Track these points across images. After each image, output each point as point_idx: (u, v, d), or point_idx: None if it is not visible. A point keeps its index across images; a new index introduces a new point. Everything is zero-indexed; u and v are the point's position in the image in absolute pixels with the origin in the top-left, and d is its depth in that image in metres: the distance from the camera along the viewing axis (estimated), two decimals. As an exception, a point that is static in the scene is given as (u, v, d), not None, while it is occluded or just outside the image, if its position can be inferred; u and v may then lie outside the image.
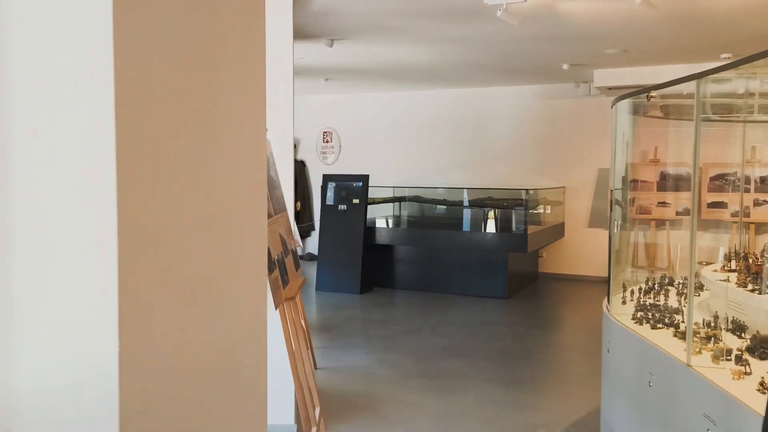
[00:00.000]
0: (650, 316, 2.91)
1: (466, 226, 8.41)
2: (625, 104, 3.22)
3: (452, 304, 7.31)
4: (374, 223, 8.43)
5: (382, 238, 8.05)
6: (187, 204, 1.02)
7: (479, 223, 8.25)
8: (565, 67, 7.42)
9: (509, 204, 8.16)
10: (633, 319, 2.95)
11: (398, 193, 9.21)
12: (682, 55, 6.86)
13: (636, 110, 3.34)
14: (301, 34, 5.76)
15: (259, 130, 1.64)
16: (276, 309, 2.45)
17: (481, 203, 8.44)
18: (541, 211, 8.56)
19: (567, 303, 7.68)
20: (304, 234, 10.58)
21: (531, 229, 7.63)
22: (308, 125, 10.54)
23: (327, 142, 10.54)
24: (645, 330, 2.80)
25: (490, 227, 8.12)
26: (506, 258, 7.59)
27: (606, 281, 8.54)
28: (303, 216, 10.49)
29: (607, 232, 8.74)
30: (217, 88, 1.20)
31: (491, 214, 8.21)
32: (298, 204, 10.35)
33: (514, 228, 7.91)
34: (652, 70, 7.53)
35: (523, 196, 8.01)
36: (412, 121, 9.90)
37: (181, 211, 1.00)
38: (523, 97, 9.23)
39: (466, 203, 8.67)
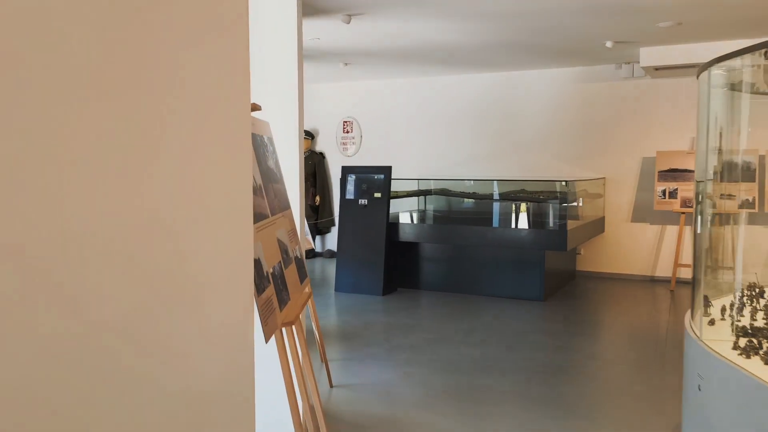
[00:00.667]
0: (757, 344, 2.24)
1: (498, 221, 7.75)
2: (721, 72, 2.50)
3: (484, 307, 6.67)
4: (398, 218, 7.80)
5: (406, 235, 7.41)
6: (106, 211, 0.82)
7: (512, 218, 7.58)
8: (608, 44, 6.70)
9: (545, 197, 7.48)
10: (735, 348, 2.28)
11: (423, 186, 8.59)
12: (743, 28, 6.11)
13: (737, 81, 2.63)
14: (312, 8, 5.14)
15: (239, 107, 1.25)
16: (267, 342, 1.84)
17: (513, 196, 7.76)
18: (580, 204, 7.85)
19: (610, 305, 6.98)
20: (324, 230, 10.04)
21: (570, 224, 6.93)
22: (327, 115, 9.97)
23: (347, 132, 9.93)
24: (756, 366, 2.13)
25: (524, 222, 7.45)
26: (543, 256, 6.92)
27: (650, 279, 7.92)
28: (322, 211, 9.95)
29: (653, 227, 8.14)
30: (160, 48, 0.93)
31: (524, 207, 7.54)
32: (317, 198, 9.80)
33: (551, 223, 7.23)
34: (705, 47, 6.78)
35: (560, 189, 7.33)
36: (438, 108, 9.23)
37: (87, 222, 0.79)
38: (559, 81, 8.49)
39: (497, 196, 8.00)
